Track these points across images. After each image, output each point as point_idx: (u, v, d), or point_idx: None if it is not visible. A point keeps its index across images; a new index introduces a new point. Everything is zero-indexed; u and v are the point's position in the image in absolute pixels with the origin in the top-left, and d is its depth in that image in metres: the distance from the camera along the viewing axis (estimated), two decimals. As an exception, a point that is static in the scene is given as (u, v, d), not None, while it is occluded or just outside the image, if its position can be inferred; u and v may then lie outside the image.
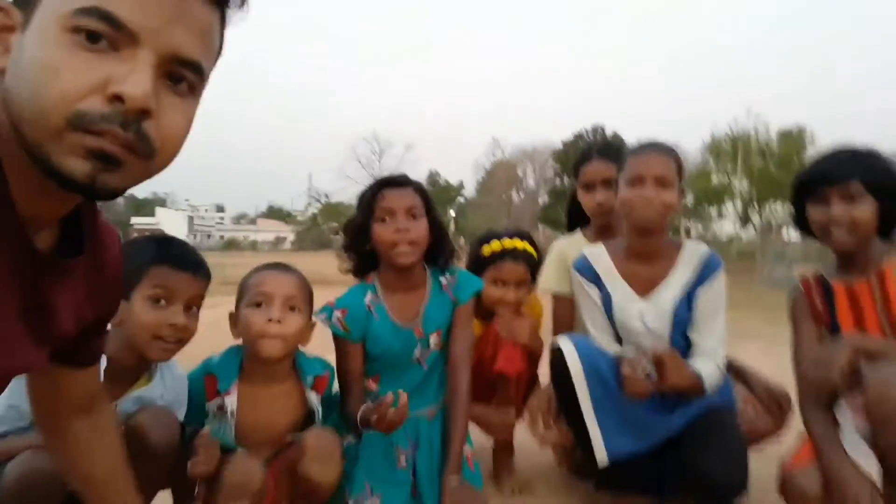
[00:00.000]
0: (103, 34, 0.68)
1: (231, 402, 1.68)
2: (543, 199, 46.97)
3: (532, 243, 2.27)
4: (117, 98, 0.68)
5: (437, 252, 1.96)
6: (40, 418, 1.14)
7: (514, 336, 2.12)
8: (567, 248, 2.40)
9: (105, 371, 1.40)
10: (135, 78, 0.69)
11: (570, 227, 2.58)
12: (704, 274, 1.90)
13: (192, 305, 1.56)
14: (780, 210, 26.37)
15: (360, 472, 1.85)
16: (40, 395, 1.11)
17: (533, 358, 2.22)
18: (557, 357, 1.83)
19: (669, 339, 1.92)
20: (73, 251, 0.88)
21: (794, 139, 30.29)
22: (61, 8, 0.68)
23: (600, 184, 2.28)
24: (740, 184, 31.31)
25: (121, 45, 0.69)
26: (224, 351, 1.77)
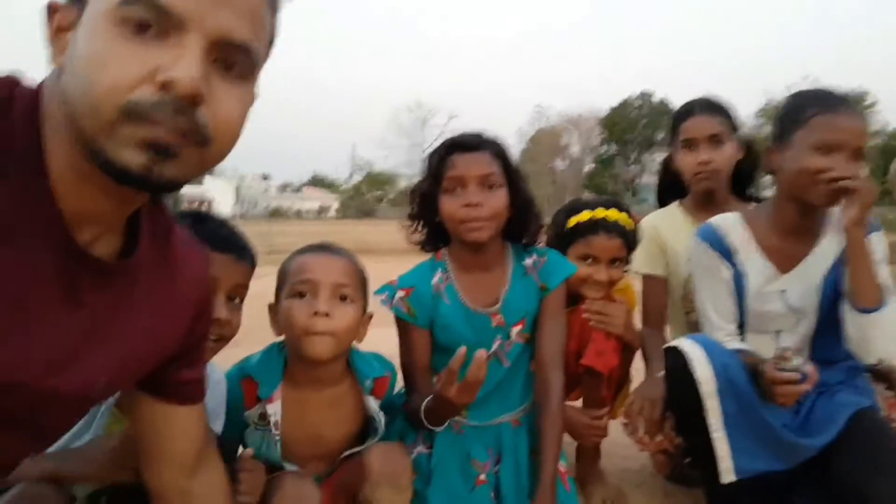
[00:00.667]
0: (150, 22, 0.68)
1: (275, 410, 1.43)
2: (588, 167, 46.11)
3: (629, 215, 1.94)
4: (167, 85, 0.67)
5: (520, 227, 1.66)
6: (148, 477, 1.06)
7: (607, 325, 1.83)
8: (660, 223, 2.12)
9: None
10: (183, 63, 0.68)
11: (662, 202, 2.27)
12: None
13: (236, 295, 1.34)
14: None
15: (434, 492, 1.56)
16: (142, 442, 1.05)
17: (627, 351, 1.92)
18: (679, 363, 1.55)
19: (816, 318, 1.67)
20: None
21: (856, 105, 28.88)
22: (108, 1, 0.68)
23: (705, 141, 1.98)
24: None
25: (168, 32, 0.69)
26: (264, 350, 1.51)
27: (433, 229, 1.68)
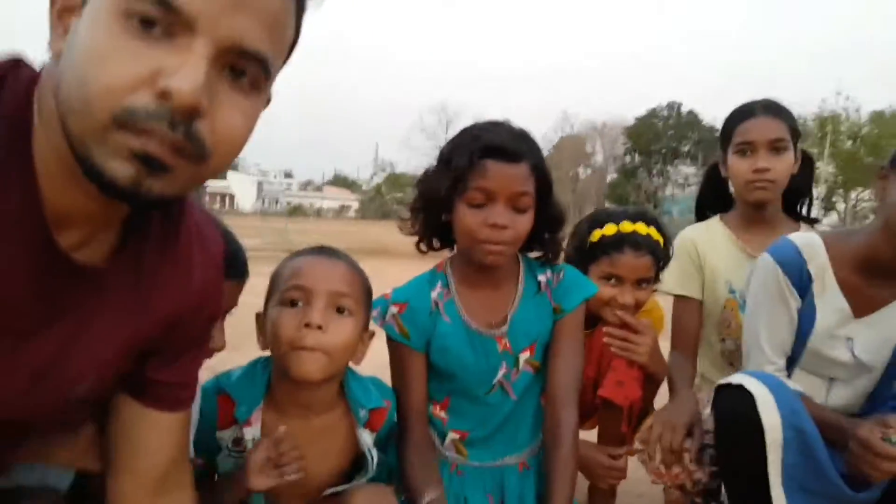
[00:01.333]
0: (157, 20, 0.61)
1: (253, 435, 1.23)
2: (611, 176, 45.74)
3: (659, 229, 1.71)
4: (166, 94, 0.61)
5: (541, 245, 1.45)
6: (110, 489, 0.96)
7: (630, 352, 1.61)
8: (699, 239, 1.89)
9: None
10: (186, 71, 0.61)
11: (701, 215, 2.04)
12: None
13: (222, 314, 1.26)
14: (867, 197, 24.72)
15: None
16: (111, 448, 0.95)
17: (650, 382, 1.69)
18: (740, 402, 1.36)
19: (881, 376, 1.46)
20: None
21: (886, 121, 28.32)
22: None
23: (765, 146, 1.75)
24: (826, 168, 29.62)
25: (176, 32, 0.62)
26: (246, 365, 1.31)
27: (435, 227, 1.44)
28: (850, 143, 32.11)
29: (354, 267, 1.29)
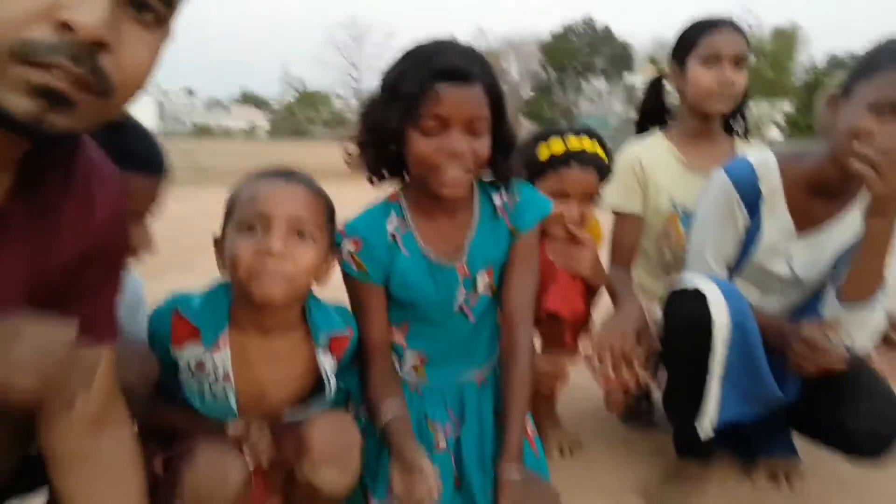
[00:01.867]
0: None
1: (223, 360, 1.21)
2: (527, 93, 45.72)
3: (603, 145, 1.73)
4: (67, 26, 0.59)
5: (497, 169, 1.38)
6: (45, 437, 0.91)
7: (573, 267, 1.65)
8: (643, 155, 1.89)
9: None
10: (89, 3, 0.60)
11: (641, 129, 2.05)
12: None
13: (144, 214, 1.21)
14: (767, 109, 25.95)
15: (386, 463, 1.31)
16: None
17: (590, 294, 1.76)
18: (691, 302, 1.42)
19: (811, 291, 1.54)
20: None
21: (787, 38, 29.50)
22: None
23: (730, 60, 1.77)
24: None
25: None
26: (206, 292, 1.27)
27: (385, 157, 1.36)
28: (753, 58, 33.33)
29: (314, 188, 1.23)
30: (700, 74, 1.80)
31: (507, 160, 1.37)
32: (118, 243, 0.92)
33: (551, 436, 1.84)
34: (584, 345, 1.64)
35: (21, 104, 0.60)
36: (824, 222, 1.51)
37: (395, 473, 1.22)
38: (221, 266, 1.23)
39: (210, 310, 1.23)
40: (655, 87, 2.02)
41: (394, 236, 1.37)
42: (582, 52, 42.71)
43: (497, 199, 1.42)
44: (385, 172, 1.39)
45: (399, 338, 1.45)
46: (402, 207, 1.39)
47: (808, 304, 1.56)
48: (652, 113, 2.03)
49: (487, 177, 1.42)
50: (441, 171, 1.25)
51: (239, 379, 1.22)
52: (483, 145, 1.27)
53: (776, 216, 1.53)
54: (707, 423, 1.44)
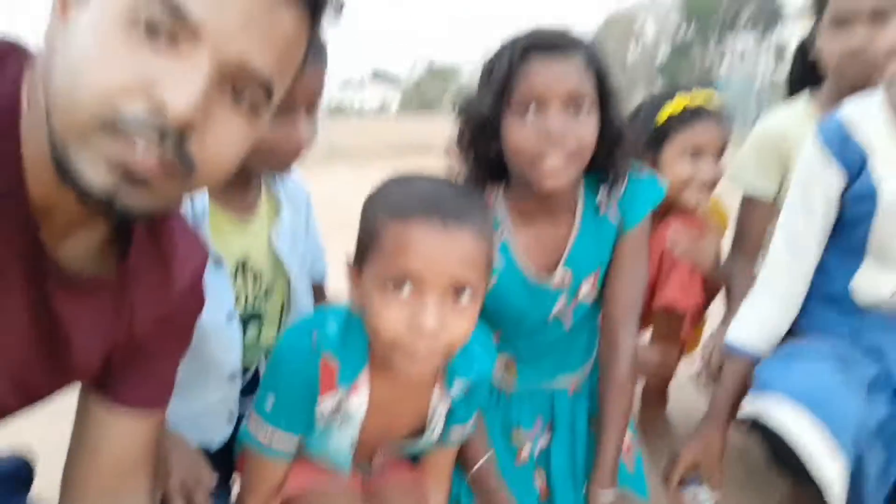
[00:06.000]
0: (163, 26, 0.57)
1: (360, 402, 1.04)
2: (663, 54, 43.21)
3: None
4: (160, 106, 0.58)
5: (604, 162, 1.20)
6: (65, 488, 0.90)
7: (695, 259, 1.53)
8: (788, 128, 1.59)
9: (211, 195, 1.10)
10: (185, 84, 0.58)
11: (792, 92, 1.76)
12: None
13: (311, 108, 1.09)
14: None
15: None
16: (70, 453, 0.90)
17: (709, 290, 1.63)
18: (782, 451, 1.10)
19: None
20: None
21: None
22: None
23: (865, 17, 1.45)
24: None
25: (180, 40, 0.58)
26: (341, 317, 1.06)
27: (486, 162, 1.22)
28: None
29: (479, 226, 0.94)
30: (829, 39, 1.52)
31: (616, 152, 1.19)
32: (192, 312, 0.90)
33: (661, 442, 1.70)
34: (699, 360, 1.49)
35: (99, 176, 0.59)
36: None
37: None
38: (356, 303, 1.02)
39: (347, 340, 1.03)
40: (803, 49, 1.72)
41: None
42: (726, 3, 39.54)
43: (602, 194, 1.26)
44: (486, 176, 1.25)
45: None
46: (497, 214, 1.26)
47: None
48: (801, 76, 1.72)
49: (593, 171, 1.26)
50: (540, 157, 1.10)
51: (373, 420, 1.07)
52: (588, 127, 1.11)
53: (894, 163, 1.20)
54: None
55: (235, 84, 0.63)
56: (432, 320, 0.88)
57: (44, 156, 0.62)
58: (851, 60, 1.47)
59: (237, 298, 1.17)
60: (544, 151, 1.09)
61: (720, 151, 1.57)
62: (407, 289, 0.89)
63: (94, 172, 0.59)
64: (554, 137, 1.08)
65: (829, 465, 1.03)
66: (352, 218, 1.08)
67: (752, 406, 1.16)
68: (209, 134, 0.62)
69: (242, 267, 1.17)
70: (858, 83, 1.49)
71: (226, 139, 0.65)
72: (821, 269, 1.34)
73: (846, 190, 1.26)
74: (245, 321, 1.19)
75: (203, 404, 1.17)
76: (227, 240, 1.14)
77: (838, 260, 1.32)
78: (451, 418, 1.12)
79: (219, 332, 1.12)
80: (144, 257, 0.79)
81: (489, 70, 1.15)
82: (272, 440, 1.02)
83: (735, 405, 1.30)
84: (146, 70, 0.58)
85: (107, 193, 0.59)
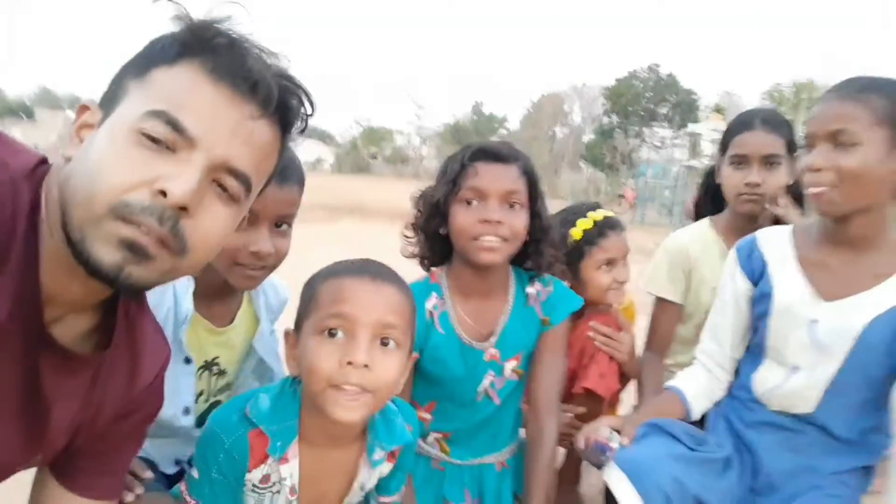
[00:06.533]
0: (163, 138, 0.74)
1: (291, 472, 1.12)
2: (588, 137, 45.61)
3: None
4: (162, 193, 0.72)
5: (531, 254, 1.48)
6: None
7: (613, 350, 1.76)
8: (690, 245, 1.91)
9: (196, 290, 1.23)
10: (182, 178, 0.73)
11: (698, 215, 2.09)
12: None
13: (282, 223, 1.24)
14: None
15: None
16: None
17: (624, 380, 1.87)
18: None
19: (841, 367, 1.38)
20: (104, 345, 0.87)
21: (807, 90, 28.64)
22: (133, 111, 0.74)
23: (759, 160, 1.78)
24: (800, 134, 29.85)
25: (178, 148, 0.74)
26: (273, 391, 1.17)
27: (434, 243, 1.49)
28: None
29: (401, 287, 1.13)
30: (728, 175, 1.85)
31: (542, 247, 1.46)
32: (150, 412, 1.00)
33: None
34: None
35: (108, 254, 0.72)
36: (857, 292, 1.38)
37: None
38: (291, 365, 1.14)
39: (280, 413, 1.13)
40: (709, 177, 2.06)
41: (431, 314, 1.47)
42: (646, 97, 42.46)
43: (531, 289, 1.52)
44: (434, 257, 1.52)
45: (426, 416, 1.52)
46: (441, 288, 1.48)
47: (850, 392, 1.41)
48: (707, 202, 2.07)
49: (523, 265, 1.55)
50: (479, 237, 1.36)
51: (305, 492, 1.16)
52: (518, 219, 1.39)
53: (788, 280, 1.46)
54: None
55: (221, 179, 0.79)
56: (362, 355, 1.02)
57: (57, 250, 0.75)
58: (746, 194, 1.79)
59: (199, 393, 1.31)
60: (483, 233, 1.36)
61: (626, 255, 1.84)
62: (340, 333, 1.04)
63: (105, 251, 0.72)
64: (491, 223, 1.35)
65: None
66: (282, 274, 1.27)
67: (606, 471, 1.40)
68: (199, 217, 0.77)
69: (207, 365, 1.31)
70: (751, 213, 1.81)
71: (213, 222, 0.79)
72: (740, 364, 1.61)
73: (753, 295, 1.54)
74: (202, 414, 1.32)
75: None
76: (201, 344, 1.28)
77: (749, 356, 1.59)
78: (380, 489, 1.26)
79: (174, 423, 1.25)
80: (121, 349, 0.89)
81: (444, 168, 1.43)
82: None
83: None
84: (150, 170, 0.73)
85: (115, 267, 0.72)
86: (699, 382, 1.59)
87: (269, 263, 1.22)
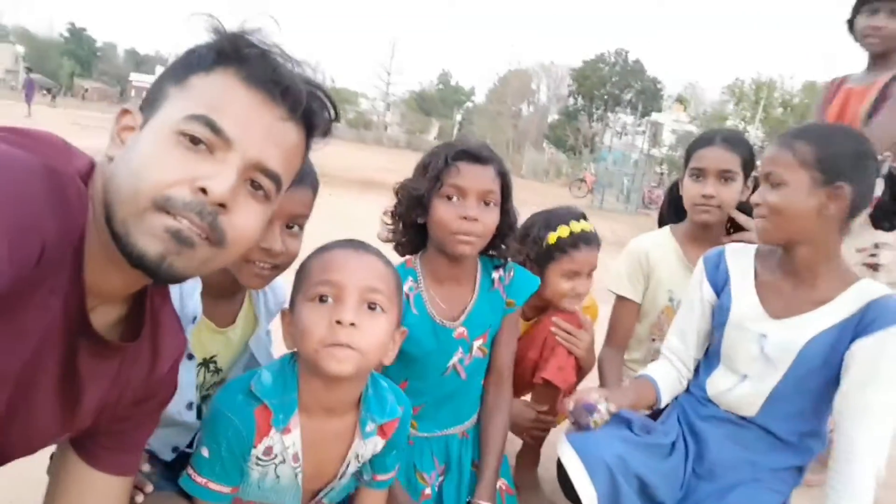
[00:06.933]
0: (203, 139, 0.79)
1: (293, 441, 1.20)
2: (553, 117, 45.98)
3: (585, 217, 1.98)
4: (202, 191, 0.77)
5: (498, 245, 1.63)
6: None
7: (571, 345, 1.85)
8: (651, 249, 2.05)
9: (203, 291, 1.26)
10: (221, 176, 0.79)
11: (662, 221, 2.22)
12: (869, 321, 1.43)
13: (294, 224, 1.27)
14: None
15: None
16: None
17: (581, 373, 1.95)
18: (563, 474, 1.47)
19: (783, 377, 1.52)
20: (130, 334, 0.93)
21: (818, 92, 29.71)
22: (174, 114, 0.80)
23: (715, 174, 1.91)
24: (756, 132, 30.87)
25: (216, 149, 0.80)
26: (274, 367, 1.25)
27: (412, 231, 1.61)
28: (780, 110, 33.62)
29: (385, 261, 1.24)
30: (687, 186, 1.97)
31: (508, 241, 1.62)
32: (165, 394, 1.04)
33: (530, 497, 1.97)
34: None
35: (152, 246, 0.76)
36: (801, 313, 1.51)
37: None
38: (288, 339, 1.22)
39: (280, 386, 1.21)
40: (674, 188, 2.16)
41: (407, 296, 1.57)
42: (611, 82, 42.93)
43: (495, 274, 1.67)
44: (410, 244, 1.63)
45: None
46: (416, 273, 1.61)
47: (790, 399, 1.53)
48: (671, 211, 2.17)
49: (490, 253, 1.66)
50: (457, 232, 1.48)
51: (307, 462, 1.24)
52: (492, 216, 1.53)
53: (745, 297, 1.60)
54: None
55: (255, 178, 0.84)
56: (350, 314, 1.12)
57: (100, 244, 0.79)
58: (702, 205, 1.93)
59: (197, 387, 1.35)
60: (461, 227, 1.48)
61: (593, 270, 1.92)
62: (329, 299, 1.14)
63: (149, 242, 0.76)
64: (469, 219, 1.48)
65: (585, 492, 1.41)
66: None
67: (558, 447, 1.53)
68: (236, 214, 0.82)
69: (206, 362, 1.35)
70: (705, 223, 1.95)
71: (248, 218, 0.84)
72: (699, 364, 1.74)
73: (714, 305, 1.67)
74: (199, 406, 1.37)
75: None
76: (202, 342, 1.32)
77: (706, 359, 1.71)
78: (376, 467, 1.35)
79: (177, 418, 1.28)
80: (145, 338, 0.94)
81: (426, 164, 1.54)
82: (207, 489, 1.19)
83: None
84: (190, 168, 0.78)
85: (158, 257, 0.77)
86: (668, 375, 1.72)
87: (279, 262, 1.25)
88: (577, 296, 1.88)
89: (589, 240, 1.88)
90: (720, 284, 1.65)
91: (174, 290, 1.11)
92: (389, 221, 1.63)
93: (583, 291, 1.89)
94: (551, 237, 1.87)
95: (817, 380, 1.49)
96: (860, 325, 1.42)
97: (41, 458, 1.02)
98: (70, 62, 62.85)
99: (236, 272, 1.25)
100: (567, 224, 1.87)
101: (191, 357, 1.29)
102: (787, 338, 1.50)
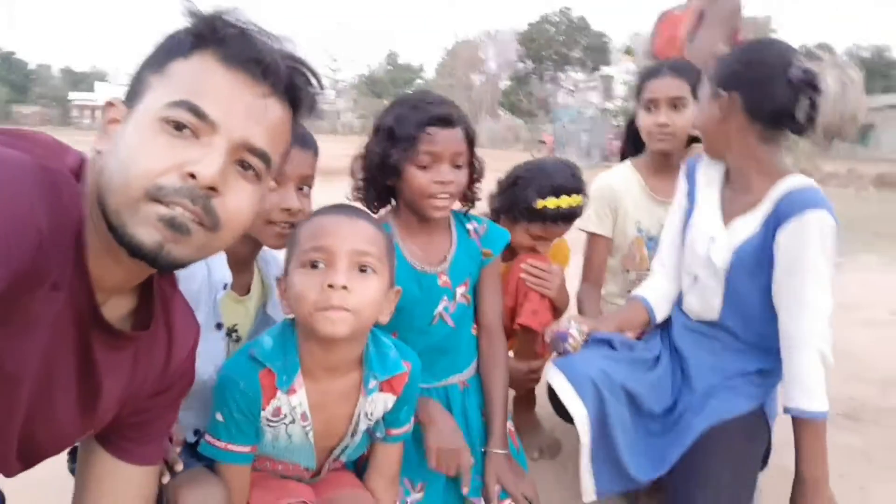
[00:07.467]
0: (187, 124, 0.79)
1: (300, 400, 1.26)
2: (505, 83, 45.90)
3: (583, 191, 1.95)
4: (191, 176, 0.78)
5: (465, 198, 1.68)
6: None
7: (542, 287, 1.90)
8: (615, 184, 2.11)
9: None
10: (208, 160, 0.79)
11: (624, 156, 2.27)
12: (783, 212, 1.49)
13: (303, 185, 1.37)
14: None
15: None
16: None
17: (557, 312, 1.98)
18: (557, 399, 1.54)
19: (726, 280, 1.59)
20: (142, 325, 0.94)
21: (759, 28, 30.20)
22: (157, 102, 0.80)
23: (667, 103, 1.98)
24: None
25: (201, 133, 0.80)
26: (274, 332, 1.30)
27: (381, 191, 1.65)
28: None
29: (375, 224, 1.28)
30: (642, 118, 2.03)
31: (474, 187, 1.67)
32: (184, 384, 1.06)
33: (532, 438, 2.03)
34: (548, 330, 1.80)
35: (148, 234, 0.77)
36: (738, 217, 1.59)
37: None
38: (285, 305, 1.26)
39: (281, 349, 1.26)
40: (631, 122, 2.21)
41: None
42: (559, 42, 42.98)
43: (469, 225, 1.72)
44: (379, 200, 1.66)
45: None
46: (389, 226, 1.62)
47: (738, 306, 1.59)
48: (631, 146, 2.22)
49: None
50: (433, 196, 1.52)
51: (311, 416, 1.29)
52: (464, 175, 1.59)
53: (707, 202, 1.67)
54: (586, 495, 1.52)
55: (243, 158, 0.84)
56: (341, 276, 1.15)
57: (99, 237, 0.79)
58: (657, 134, 1.99)
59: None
60: (436, 192, 1.53)
61: (555, 239, 1.99)
62: (321, 264, 1.18)
63: (145, 232, 0.76)
64: (444, 183, 1.53)
65: (575, 408, 1.48)
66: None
67: (546, 373, 1.60)
68: (228, 196, 0.82)
69: (230, 331, 1.41)
70: (663, 151, 2.02)
71: (240, 199, 0.84)
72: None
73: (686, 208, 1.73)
74: None
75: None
76: (227, 310, 1.37)
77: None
78: (389, 422, 1.40)
79: (209, 383, 1.31)
80: (159, 327, 0.95)
81: (392, 127, 1.54)
82: (227, 451, 1.25)
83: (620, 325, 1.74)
84: (178, 155, 0.77)
85: (156, 246, 0.77)
86: (660, 287, 1.78)
87: (297, 221, 1.32)
88: (536, 252, 1.95)
89: (570, 218, 1.92)
90: (692, 191, 1.73)
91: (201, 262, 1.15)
92: (357, 180, 1.65)
93: (543, 252, 1.96)
94: (539, 203, 1.88)
95: (759, 279, 1.54)
96: (777, 217, 1.49)
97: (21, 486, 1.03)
98: (3, 89, 60.49)
99: (259, 235, 1.33)
100: (558, 197, 1.89)
101: (219, 326, 1.35)
102: (725, 241, 1.58)
